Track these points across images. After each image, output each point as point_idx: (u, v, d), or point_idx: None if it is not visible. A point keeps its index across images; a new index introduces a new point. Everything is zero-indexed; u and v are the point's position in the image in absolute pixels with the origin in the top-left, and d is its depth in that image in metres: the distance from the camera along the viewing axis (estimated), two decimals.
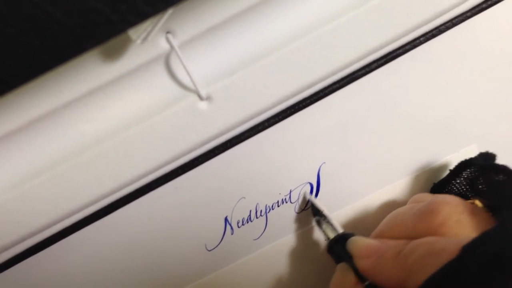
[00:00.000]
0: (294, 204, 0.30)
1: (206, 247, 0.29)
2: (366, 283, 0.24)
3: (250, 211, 0.29)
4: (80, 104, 0.23)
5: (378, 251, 0.23)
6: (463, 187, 0.28)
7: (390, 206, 0.31)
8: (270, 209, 0.29)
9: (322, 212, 0.28)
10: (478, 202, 0.24)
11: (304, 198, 0.29)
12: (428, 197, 0.26)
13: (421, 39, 0.25)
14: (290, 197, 0.29)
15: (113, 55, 0.22)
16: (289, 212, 0.30)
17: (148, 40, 0.20)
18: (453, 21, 0.25)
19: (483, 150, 0.28)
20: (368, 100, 0.28)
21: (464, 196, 0.27)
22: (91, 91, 0.22)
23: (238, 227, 0.29)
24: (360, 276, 0.24)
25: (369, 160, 0.29)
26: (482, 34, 0.28)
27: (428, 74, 0.28)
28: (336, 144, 0.28)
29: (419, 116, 0.29)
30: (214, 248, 0.29)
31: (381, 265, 0.23)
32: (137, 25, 0.16)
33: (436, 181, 0.30)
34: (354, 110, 0.28)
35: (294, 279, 0.31)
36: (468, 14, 0.25)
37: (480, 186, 0.25)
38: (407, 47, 0.25)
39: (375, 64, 0.25)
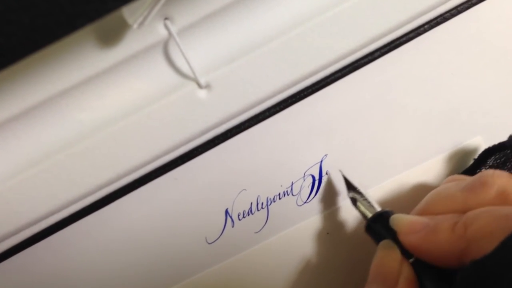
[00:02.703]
0: (296, 197, 0.29)
1: (206, 240, 0.28)
2: (412, 259, 0.23)
3: (251, 203, 0.28)
4: (77, 92, 0.22)
5: (427, 226, 0.22)
6: None
7: (394, 200, 0.30)
8: (271, 202, 0.29)
9: (358, 190, 0.27)
10: None
11: (328, 176, 0.29)
12: (465, 177, 0.25)
13: (425, 26, 0.25)
14: (292, 189, 0.29)
15: (110, 41, 0.22)
16: (291, 204, 0.29)
17: (145, 25, 0.19)
18: (458, 8, 0.25)
19: (488, 142, 0.28)
20: (371, 89, 0.27)
21: None
22: (88, 78, 0.22)
23: (239, 219, 0.29)
24: (405, 252, 0.23)
25: (371, 152, 0.29)
26: (488, 22, 0.27)
27: (433, 64, 0.27)
28: (338, 135, 0.28)
29: (423, 107, 0.28)
30: (214, 241, 0.29)
31: (434, 238, 0.21)
32: (129, 3, 0.15)
33: (459, 171, 0.29)
34: (357, 100, 0.27)
35: (296, 273, 0.30)
36: (474, 1, 0.25)
37: (509, 172, 0.25)
38: (411, 35, 0.25)
39: (378, 53, 0.25)
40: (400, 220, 0.24)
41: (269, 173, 0.28)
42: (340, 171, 0.29)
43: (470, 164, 0.28)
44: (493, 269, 0.18)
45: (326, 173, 0.29)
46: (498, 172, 0.23)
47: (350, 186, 0.28)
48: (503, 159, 0.26)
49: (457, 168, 0.30)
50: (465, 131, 0.30)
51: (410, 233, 0.23)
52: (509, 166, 0.25)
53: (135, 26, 0.19)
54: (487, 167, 0.27)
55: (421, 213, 0.25)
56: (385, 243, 0.24)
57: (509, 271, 0.17)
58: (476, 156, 0.29)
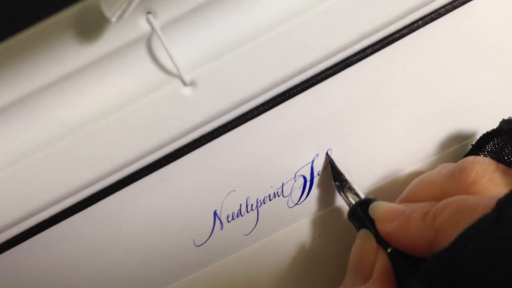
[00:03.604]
0: (286, 198, 0.28)
1: (194, 243, 0.28)
2: (389, 249, 0.23)
3: (241, 205, 0.28)
4: (57, 89, 0.22)
5: (402, 214, 0.22)
6: None
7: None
8: (261, 203, 0.28)
9: (343, 177, 0.27)
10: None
11: (326, 160, 0.28)
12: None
13: (419, 22, 0.24)
14: (282, 190, 0.28)
15: (90, 36, 0.21)
16: (282, 206, 0.28)
17: (125, 19, 0.19)
18: (454, 3, 0.24)
19: None
20: (364, 87, 0.26)
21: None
22: (68, 74, 0.21)
23: (228, 221, 0.28)
24: (382, 242, 0.23)
25: (365, 152, 0.28)
26: (484, 18, 0.26)
27: (427, 61, 0.27)
28: (330, 134, 0.27)
29: (418, 106, 0.28)
30: (202, 244, 0.28)
31: (407, 227, 0.21)
32: None
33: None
34: (348, 98, 0.26)
35: (287, 277, 0.30)
36: None
37: (506, 158, 0.24)
38: (404, 31, 0.24)
39: (370, 49, 0.24)
40: (378, 208, 0.24)
41: (258, 174, 0.27)
42: (327, 154, 0.28)
43: (468, 151, 0.28)
44: (450, 262, 0.18)
45: (318, 174, 0.28)
46: (479, 159, 0.22)
47: (336, 172, 0.27)
48: (501, 144, 0.25)
49: None
50: (462, 130, 0.29)
51: (386, 222, 0.23)
52: (507, 151, 0.25)
53: (113, 19, 0.18)
54: (485, 152, 0.26)
55: (404, 200, 0.25)
56: (363, 232, 0.24)
57: (465, 265, 0.17)
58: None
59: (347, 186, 0.26)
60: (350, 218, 0.26)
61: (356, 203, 0.26)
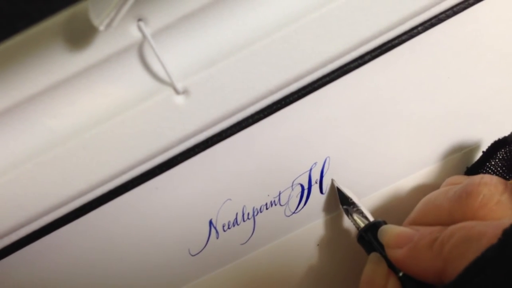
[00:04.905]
0: (284, 207, 0.28)
1: (189, 252, 0.27)
2: (400, 274, 0.22)
3: (237, 213, 0.27)
4: (46, 97, 0.21)
5: (411, 240, 0.22)
6: (499, 168, 0.26)
7: (391, 208, 0.29)
8: (258, 212, 0.27)
9: (350, 200, 0.27)
10: None
11: (332, 185, 0.28)
12: (463, 179, 0.24)
13: (419, 28, 0.24)
14: (279, 199, 0.28)
15: (81, 44, 0.20)
16: (279, 215, 0.28)
17: (113, 27, 0.18)
18: (454, 9, 0.24)
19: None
20: (362, 95, 0.26)
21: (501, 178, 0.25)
22: (58, 83, 0.21)
23: (224, 231, 0.27)
24: (393, 266, 0.23)
25: (364, 160, 0.28)
26: (486, 23, 0.26)
27: (428, 67, 0.26)
28: (328, 142, 0.27)
29: (419, 113, 0.27)
30: (198, 253, 0.27)
31: (415, 254, 0.21)
32: (78, 2, 0.14)
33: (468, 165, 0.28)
34: (347, 106, 0.26)
35: (284, 287, 0.29)
36: (471, 1, 0.24)
37: None
38: (403, 38, 0.24)
39: (369, 56, 0.24)
40: (387, 233, 0.23)
41: (255, 182, 0.27)
42: (333, 180, 0.28)
43: (478, 158, 0.27)
44: None
45: (316, 182, 0.28)
46: (486, 180, 0.22)
47: (342, 196, 0.27)
48: (509, 153, 0.25)
49: (457, 174, 0.29)
50: (464, 137, 0.29)
51: (395, 248, 0.22)
52: None
53: (101, 28, 0.18)
54: (497, 160, 0.26)
55: (412, 222, 0.24)
56: (373, 256, 0.24)
57: None
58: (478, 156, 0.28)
59: (355, 209, 0.26)
60: (359, 241, 0.26)
61: (365, 226, 0.25)
